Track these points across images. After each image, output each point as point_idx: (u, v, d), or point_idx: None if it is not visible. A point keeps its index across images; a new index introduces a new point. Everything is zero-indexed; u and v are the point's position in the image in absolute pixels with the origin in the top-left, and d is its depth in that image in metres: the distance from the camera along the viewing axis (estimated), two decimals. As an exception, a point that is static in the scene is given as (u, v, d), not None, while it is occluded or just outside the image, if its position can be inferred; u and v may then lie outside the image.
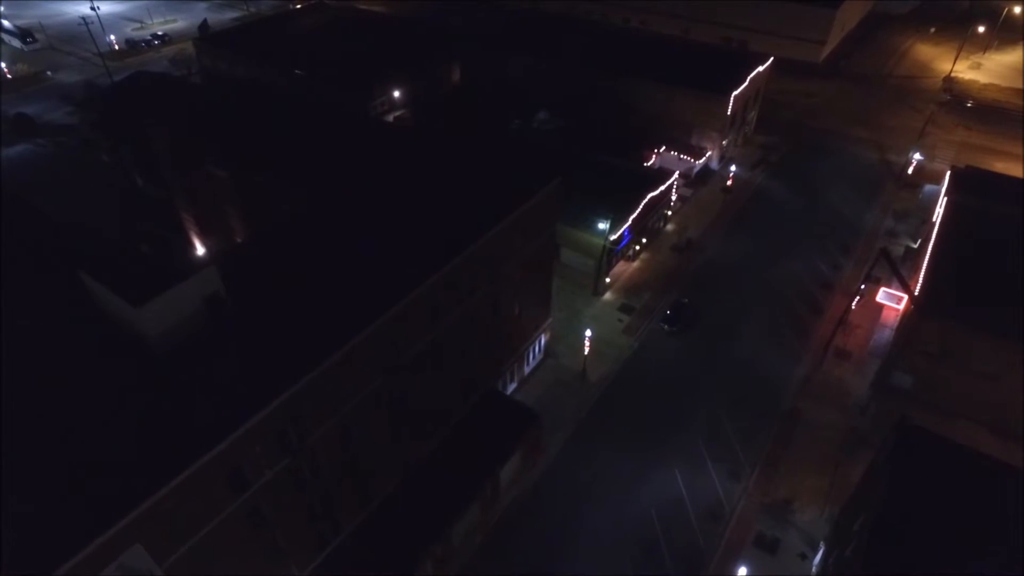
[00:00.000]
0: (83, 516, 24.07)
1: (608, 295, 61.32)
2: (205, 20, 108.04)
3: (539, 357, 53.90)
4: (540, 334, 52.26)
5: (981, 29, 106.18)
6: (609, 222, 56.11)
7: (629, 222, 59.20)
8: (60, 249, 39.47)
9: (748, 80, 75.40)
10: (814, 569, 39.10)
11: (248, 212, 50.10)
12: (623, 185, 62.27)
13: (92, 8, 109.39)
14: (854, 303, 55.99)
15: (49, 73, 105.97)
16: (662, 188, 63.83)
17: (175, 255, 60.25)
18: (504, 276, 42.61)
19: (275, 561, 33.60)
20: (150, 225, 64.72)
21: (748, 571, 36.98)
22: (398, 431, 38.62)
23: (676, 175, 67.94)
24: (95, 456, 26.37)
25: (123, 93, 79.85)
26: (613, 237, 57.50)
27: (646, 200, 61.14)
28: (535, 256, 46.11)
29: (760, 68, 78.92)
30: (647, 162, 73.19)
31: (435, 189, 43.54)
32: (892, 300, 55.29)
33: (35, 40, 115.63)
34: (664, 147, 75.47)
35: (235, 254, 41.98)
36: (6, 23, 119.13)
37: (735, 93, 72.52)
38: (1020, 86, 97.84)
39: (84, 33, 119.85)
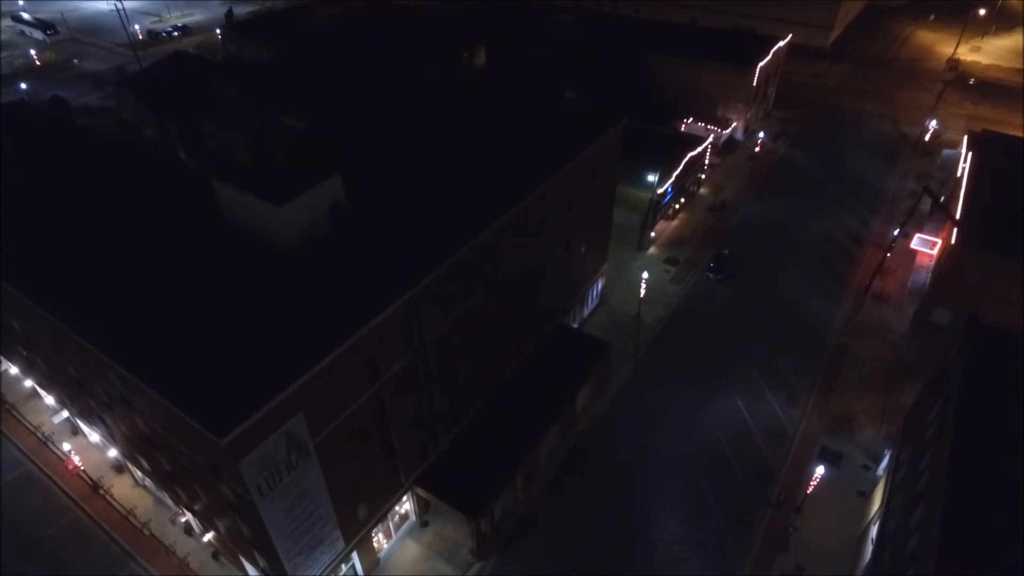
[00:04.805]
0: (261, 384, 26.14)
1: (652, 249, 64.03)
2: (231, 9, 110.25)
3: (595, 302, 56.36)
4: (598, 279, 54.76)
5: (982, 12, 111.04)
6: (658, 175, 58.86)
7: (673, 178, 62.02)
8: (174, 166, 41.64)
9: (771, 53, 78.92)
10: (880, 473, 41.68)
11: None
12: (663, 146, 65.01)
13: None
14: (890, 248, 59.02)
15: (75, 61, 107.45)
16: (700, 149, 66.85)
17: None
18: (577, 210, 45.15)
19: (388, 463, 35.63)
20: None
21: (824, 471, 39.49)
22: (487, 351, 40.83)
23: (711, 137, 71.03)
24: (258, 341, 28.47)
25: (164, 72, 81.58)
26: (660, 191, 60.25)
27: (687, 159, 64.04)
28: (600, 196, 48.77)
29: (781, 43, 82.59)
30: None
31: (513, 129, 46.10)
32: (926, 245, 58.51)
33: (56, 31, 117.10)
34: (691, 119, 78.56)
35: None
36: (25, 15, 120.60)
37: (761, 64, 75.95)
38: (1020, 66, 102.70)
39: (103, 26, 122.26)
